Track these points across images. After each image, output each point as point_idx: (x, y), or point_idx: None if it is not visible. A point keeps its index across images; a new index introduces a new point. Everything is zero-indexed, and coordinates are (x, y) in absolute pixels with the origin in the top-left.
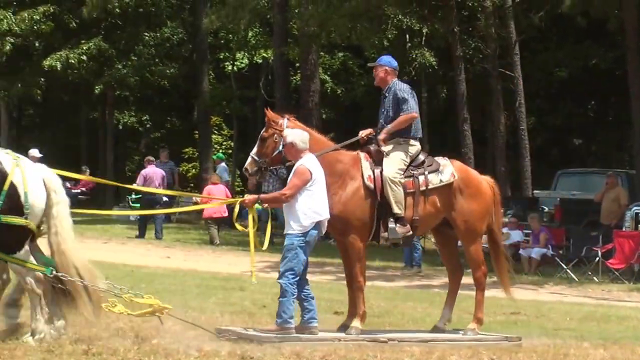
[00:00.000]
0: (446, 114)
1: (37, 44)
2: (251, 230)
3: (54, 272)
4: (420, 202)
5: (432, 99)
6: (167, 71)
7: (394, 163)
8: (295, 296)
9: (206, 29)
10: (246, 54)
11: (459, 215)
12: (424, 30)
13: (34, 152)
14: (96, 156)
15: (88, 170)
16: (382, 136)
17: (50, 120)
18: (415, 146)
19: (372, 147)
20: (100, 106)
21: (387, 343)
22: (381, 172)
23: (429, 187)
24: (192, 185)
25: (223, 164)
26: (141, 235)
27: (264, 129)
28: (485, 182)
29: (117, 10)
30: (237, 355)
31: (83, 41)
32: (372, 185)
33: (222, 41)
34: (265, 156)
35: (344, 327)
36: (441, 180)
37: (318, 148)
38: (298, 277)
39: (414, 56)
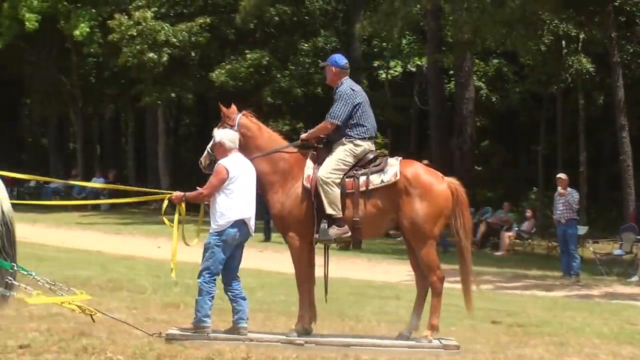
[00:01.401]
0: (603, 121)
1: (193, 54)
2: (176, 225)
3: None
4: (360, 203)
5: (589, 106)
6: None
7: (330, 163)
8: (211, 295)
9: (359, 35)
10: (400, 62)
11: (404, 216)
12: (580, 36)
13: None
14: None
15: None
16: (302, 136)
17: (205, 129)
18: (361, 146)
19: (320, 147)
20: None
21: (304, 345)
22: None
23: (370, 188)
24: None
25: None
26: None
27: (218, 124)
28: (441, 183)
29: (276, 18)
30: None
31: (247, 52)
32: (309, 186)
33: (376, 49)
34: None
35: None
36: (382, 181)
37: (270, 147)
38: (215, 276)
39: (570, 62)
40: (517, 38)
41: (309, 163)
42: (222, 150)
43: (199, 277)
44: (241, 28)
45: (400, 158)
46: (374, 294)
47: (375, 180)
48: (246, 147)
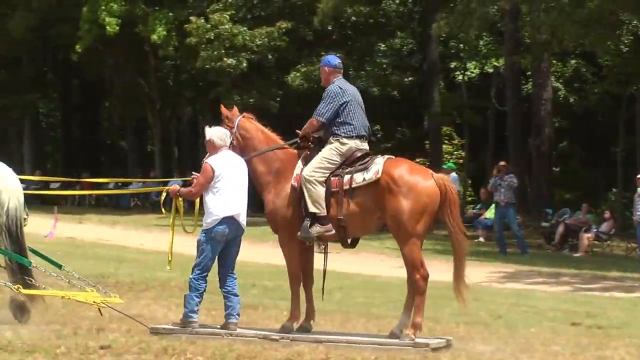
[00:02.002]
0: None
1: (270, 57)
2: (173, 217)
3: None
4: (344, 202)
5: None
6: (405, 79)
7: (314, 162)
8: (199, 292)
9: (435, 36)
10: (477, 63)
11: (387, 214)
12: None
13: None
14: None
15: None
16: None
17: (285, 132)
18: (347, 144)
19: (313, 147)
20: None
21: (279, 341)
22: None
23: (353, 186)
24: None
25: (454, 173)
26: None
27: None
28: (427, 180)
29: (353, 18)
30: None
31: (323, 54)
32: (296, 185)
33: (453, 51)
34: None
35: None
36: (364, 179)
37: (267, 147)
38: (206, 273)
39: None
40: (596, 38)
41: (300, 163)
42: (211, 147)
43: (191, 274)
44: (319, 30)
45: (388, 156)
46: (452, 295)
47: (358, 178)
48: (245, 148)
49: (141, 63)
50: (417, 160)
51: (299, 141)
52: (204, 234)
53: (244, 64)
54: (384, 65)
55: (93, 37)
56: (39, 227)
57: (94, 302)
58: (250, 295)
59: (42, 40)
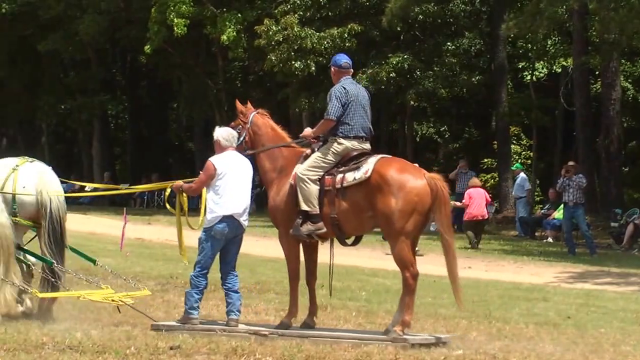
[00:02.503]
0: None
1: None
2: (178, 213)
3: None
4: (336, 200)
5: None
6: (473, 79)
7: (309, 161)
8: (199, 289)
9: (503, 37)
10: (545, 63)
11: (378, 213)
12: None
13: None
14: None
15: None
16: (304, 133)
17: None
18: (342, 144)
19: (315, 146)
20: (399, 117)
21: (268, 336)
22: None
23: (344, 185)
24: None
25: (522, 174)
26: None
27: (234, 121)
28: (418, 179)
29: (420, 16)
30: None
31: (390, 55)
32: (293, 183)
33: (521, 51)
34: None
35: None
36: (355, 178)
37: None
38: (206, 271)
39: None
40: None
41: (301, 161)
42: (218, 147)
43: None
44: (387, 31)
45: (382, 156)
46: (521, 295)
47: (350, 177)
48: (255, 145)
49: (209, 64)
50: (485, 160)
51: (305, 140)
52: (204, 232)
53: (312, 68)
54: (452, 66)
55: (161, 39)
56: (111, 228)
57: (112, 300)
58: (319, 296)
59: (111, 42)
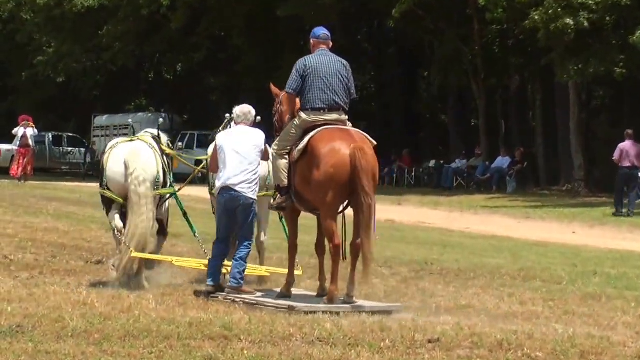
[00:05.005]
0: None
1: (607, 19)
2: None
3: None
4: (295, 174)
5: None
6: None
7: (280, 136)
8: (215, 256)
9: None
10: None
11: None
12: None
13: None
14: None
15: None
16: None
17: (619, 104)
18: (301, 118)
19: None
20: None
21: (238, 302)
22: None
23: (296, 158)
24: None
25: None
26: None
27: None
28: (339, 151)
29: None
30: None
31: None
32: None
33: None
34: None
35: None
36: (298, 150)
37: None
38: (219, 239)
39: None
40: None
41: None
42: (234, 122)
43: None
44: None
45: (327, 127)
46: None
47: (295, 150)
48: (282, 123)
49: (464, 28)
50: None
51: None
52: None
53: (585, 24)
54: None
55: (412, 1)
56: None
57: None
58: (592, 285)
59: (357, 6)
